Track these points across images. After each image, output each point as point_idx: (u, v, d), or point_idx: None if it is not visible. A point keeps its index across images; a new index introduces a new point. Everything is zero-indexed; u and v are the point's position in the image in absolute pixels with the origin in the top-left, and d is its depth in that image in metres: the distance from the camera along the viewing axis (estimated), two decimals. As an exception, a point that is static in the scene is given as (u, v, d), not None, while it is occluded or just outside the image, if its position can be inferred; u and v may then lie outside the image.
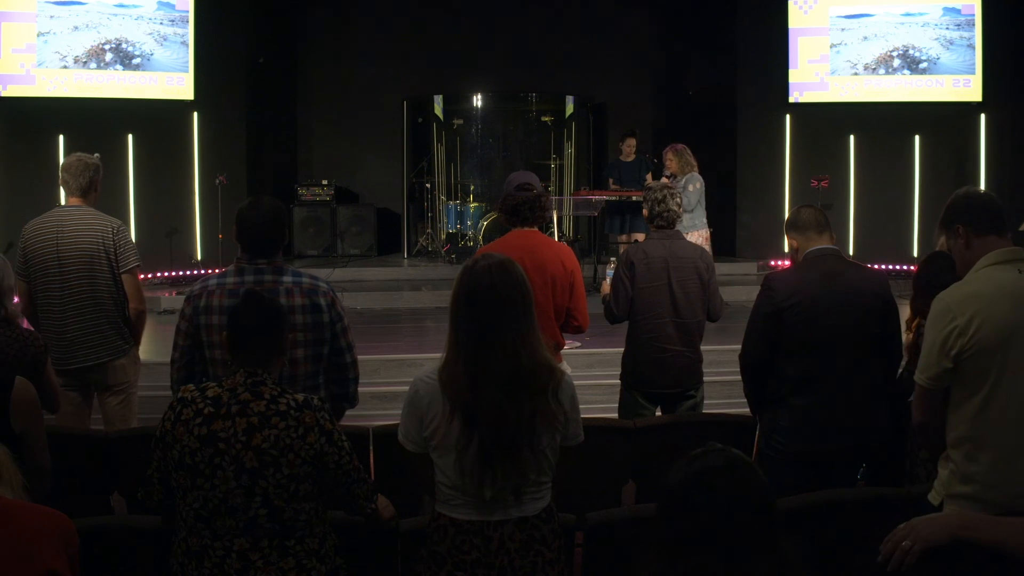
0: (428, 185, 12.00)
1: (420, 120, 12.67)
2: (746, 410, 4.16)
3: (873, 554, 2.26)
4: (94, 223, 4.65)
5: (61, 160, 10.01)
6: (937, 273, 3.70)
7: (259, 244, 3.49)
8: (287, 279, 3.47)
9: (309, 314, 3.44)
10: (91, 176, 4.72)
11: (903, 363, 3.98)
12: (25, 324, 5.21)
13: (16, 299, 4.08)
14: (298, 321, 3.38)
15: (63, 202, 4.82)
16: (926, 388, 2.90)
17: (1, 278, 3.72)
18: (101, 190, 4.84)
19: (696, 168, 8.52)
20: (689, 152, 8.52)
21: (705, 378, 4.88)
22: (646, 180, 9.67)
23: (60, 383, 4.71)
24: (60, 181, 4.76)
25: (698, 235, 8.28)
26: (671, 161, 8.51)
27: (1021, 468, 2.75)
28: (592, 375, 6.85)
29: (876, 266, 9.34)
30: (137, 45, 10.58)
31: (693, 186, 8.36)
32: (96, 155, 4.88)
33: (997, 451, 2.77)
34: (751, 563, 1.71)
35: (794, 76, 11.58)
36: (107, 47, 10.49)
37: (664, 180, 8.50)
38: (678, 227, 7.74)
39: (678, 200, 4.83)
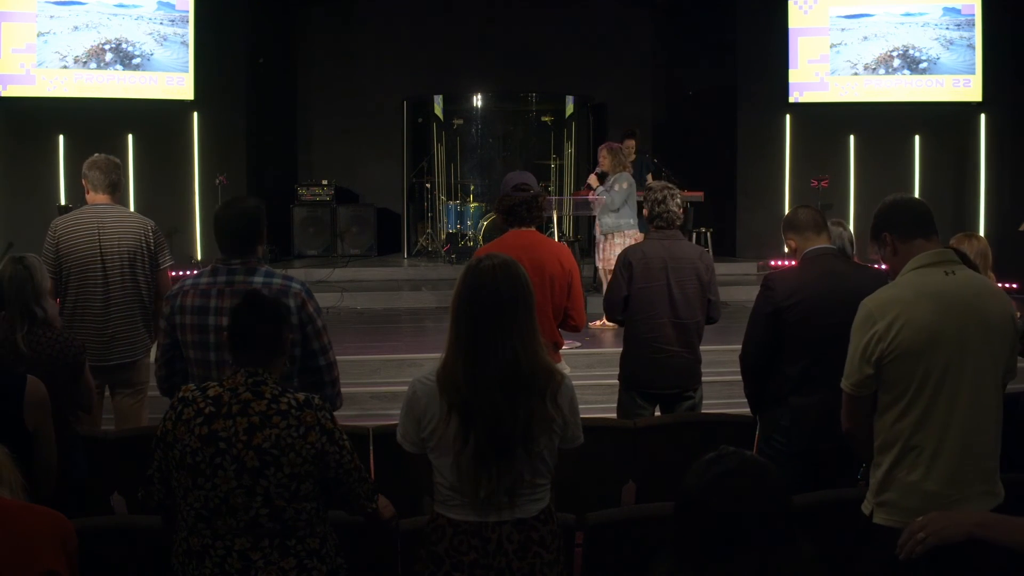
0: (428, 185, 12.01)
1: (420, 120, 12.68)
2: (746, 410, 4.16)
3: (873, 554, 2.26)
4: (132, 222, 4.76)
5: (61, 160, 10.12)
6: None
7: (231, 244, 3.51)
8: (257, 279, 3.47)
9: None
10: (119, 173, 4.82)
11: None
12: None
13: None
14: None
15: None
16: (851, 395, 2.88)
17: (39, 279, 3.74)
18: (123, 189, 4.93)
19: (629, 170, 8.41)
20: (624, 154, 8.42)
21: (705, 378, 4.87)
22: (647, 180, 9.65)
23: None
24: (84, 180, 4.80)
25: (624, 236, 8.13)
26: (604, 159, 8.38)
27: (945, 473, 2.73)
28: (592, 375, 6.85)
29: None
30: (137, 45, 10.58)
31: (620, 186, 8.20)
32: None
33: (920, 456, 2.74)
34: (771, 564, 1.71)
35: (794, 76, 11.58)
36: (107, 47, 10.49)
37: (592, 177, 8.47)
38: (603, 229, 7.74)
39: (679, 201, 4.81)
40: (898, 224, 2.93)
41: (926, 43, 11.52)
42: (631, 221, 8.22)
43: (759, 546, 1.71)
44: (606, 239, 8.14)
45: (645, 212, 4.86)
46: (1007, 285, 9.04)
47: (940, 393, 2.73)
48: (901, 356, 2.74)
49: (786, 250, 4.06)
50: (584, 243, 11.95)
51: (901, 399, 2.77)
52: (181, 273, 10.49)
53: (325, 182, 11.90)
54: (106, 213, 4.72)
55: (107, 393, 4.87)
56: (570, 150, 12.74)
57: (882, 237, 2.96)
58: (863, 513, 2.86)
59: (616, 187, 8.16)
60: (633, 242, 8.03)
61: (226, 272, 3.49)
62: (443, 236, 11.87)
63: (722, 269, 8.22)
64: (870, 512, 2.84)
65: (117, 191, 4.80)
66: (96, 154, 4.86)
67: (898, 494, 2.77)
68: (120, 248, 4.68)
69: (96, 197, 4.76)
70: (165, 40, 10.67)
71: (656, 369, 4.68)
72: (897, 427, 2.78)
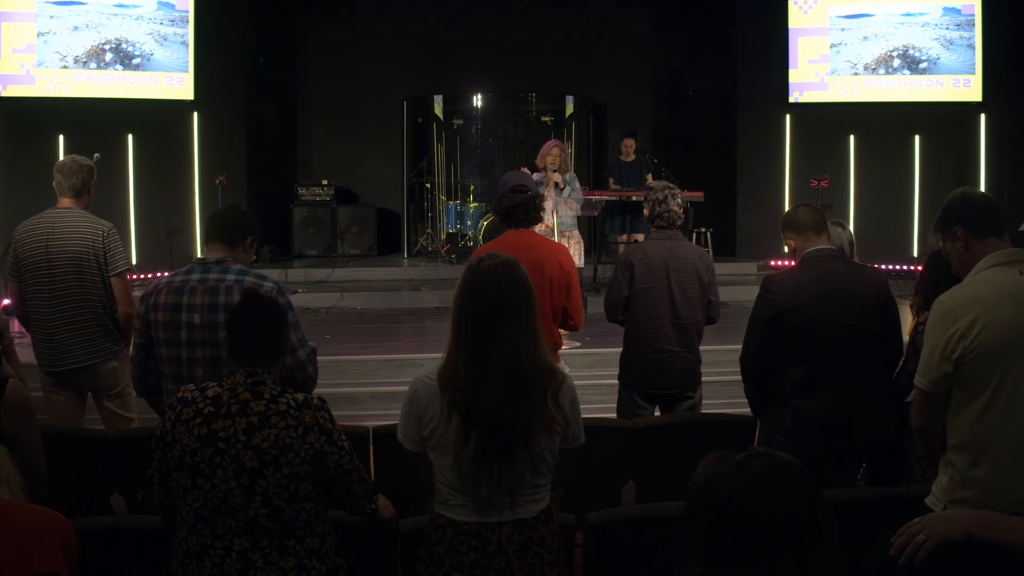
0: (428, 185, 12.01)
1: (420, 120, 12.68)
2: (746, 410, 4.16)
3: (874, 554, 2.26)
4: (84, 226, 4.62)
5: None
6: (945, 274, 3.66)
7: (214, 243, 3.61)
8: (230, 277, 3.50)
9: None
10: (84, 177, 4.68)
11: (900, 363, 3.97)
12: (17, 326, 5.21)
13: (6, 302, 4.06)
14: None
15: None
16: (926, 392, 2.86)
17: None
18: (95, 193, 4.80)
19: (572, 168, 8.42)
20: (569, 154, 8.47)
21: (705, 378, 4.87)
22: (647, 180, 9.67)
23: (50, 383, 4.72)
24: (53, 182, 4.73)
25: (574, 234, 8.06)
26: (556, 156, 8.26)
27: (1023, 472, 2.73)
28: (592, 375, 6.85)
29: (876, 266, 9.33)
30: (137, 45, 10.58)
31: (578, 183, 8.21)
32: (96, 155, 4.85)
33: (999, 455, 2.74)
34: (807, 569, 1.67)
35: (794, 76, 11.58)
36: (107, 47, 10.48)
37: (555, 175, 8.45)
38: (561, 228, 7.70)
39: (679, 201, 4.79)
40: (973, 220, 2.90)
41: (926, 43, 11.52)
42: (575, 220, 8.26)
43: (794, 550, 1.66)
44: (559, 236, 8.07)
45: (646, 212, 4.83)
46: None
47: (1019, 392, 2.73)
48: (982, 355, 2.74)
49: (786, 250, 4.03)
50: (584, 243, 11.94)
51: (979, 398, 2.76)
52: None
53: (325, 182, 11.90)
54: (60, 218, 4.63)
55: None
56: (570, 150, 12.72)
57: (953, 232, 2.92)
58: (931, 510, 2.82)
59: (578, 184, 8.20)
60: (576, 241, 8.10)
61: (200, 270, 3.54)
62: (443, 236, 11.88)
63: (722, 269, 8.21)
64: (942, 509, 2.81)
65: (82, 195, 4.68)
66: (65, 156, 4.78)
67: (978, 492, 2.75)
68: (66, 253, 4.57)
69: (61, 201, 4.69)
70: (165, 40, 10.67)
71: (656, 369, 4.68)
72: (976, 427, 2.77)
